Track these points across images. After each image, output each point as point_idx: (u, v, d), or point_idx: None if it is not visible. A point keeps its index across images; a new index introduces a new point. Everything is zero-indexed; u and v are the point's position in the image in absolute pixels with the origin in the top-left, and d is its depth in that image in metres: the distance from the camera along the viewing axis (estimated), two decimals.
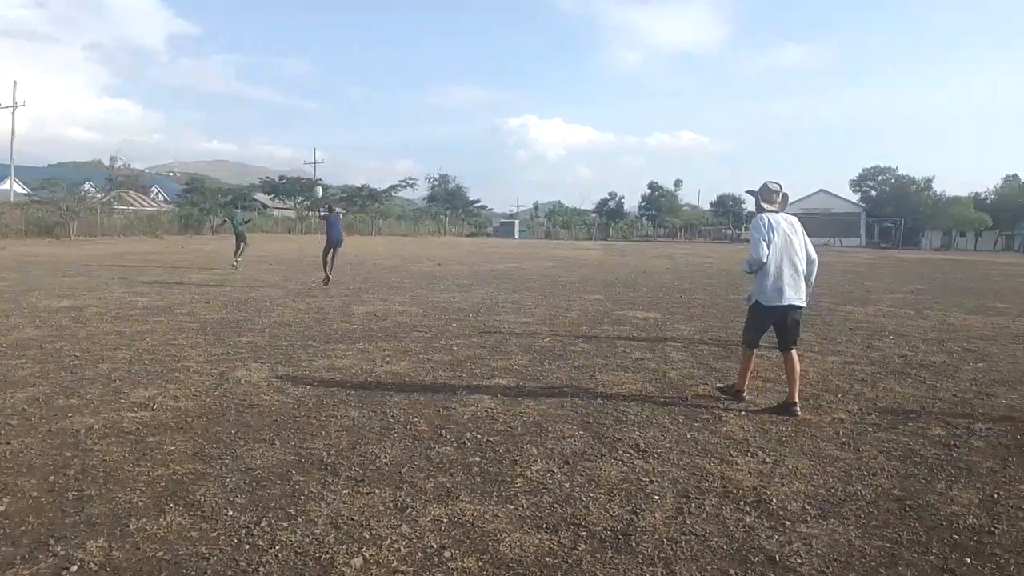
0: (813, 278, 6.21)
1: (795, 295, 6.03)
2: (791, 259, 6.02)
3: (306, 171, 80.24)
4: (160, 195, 77.55)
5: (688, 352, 8.62)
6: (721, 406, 6.11)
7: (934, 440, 5.31)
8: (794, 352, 6.14)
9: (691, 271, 24.83)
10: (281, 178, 73.13)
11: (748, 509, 3.96)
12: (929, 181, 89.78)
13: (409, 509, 3.84)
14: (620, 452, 4.83)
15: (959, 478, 4.54)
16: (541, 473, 4.40)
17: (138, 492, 4.03)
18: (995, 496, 4.25)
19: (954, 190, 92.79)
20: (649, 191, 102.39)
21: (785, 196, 6.32)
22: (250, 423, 5.32)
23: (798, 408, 5.94)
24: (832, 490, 4.27)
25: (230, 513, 3.77)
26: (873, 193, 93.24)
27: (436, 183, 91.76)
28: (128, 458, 4.55)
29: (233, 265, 20.10)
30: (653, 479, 4.36)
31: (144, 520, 3.68)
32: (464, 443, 4.92)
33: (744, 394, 6.36)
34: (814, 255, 6.19)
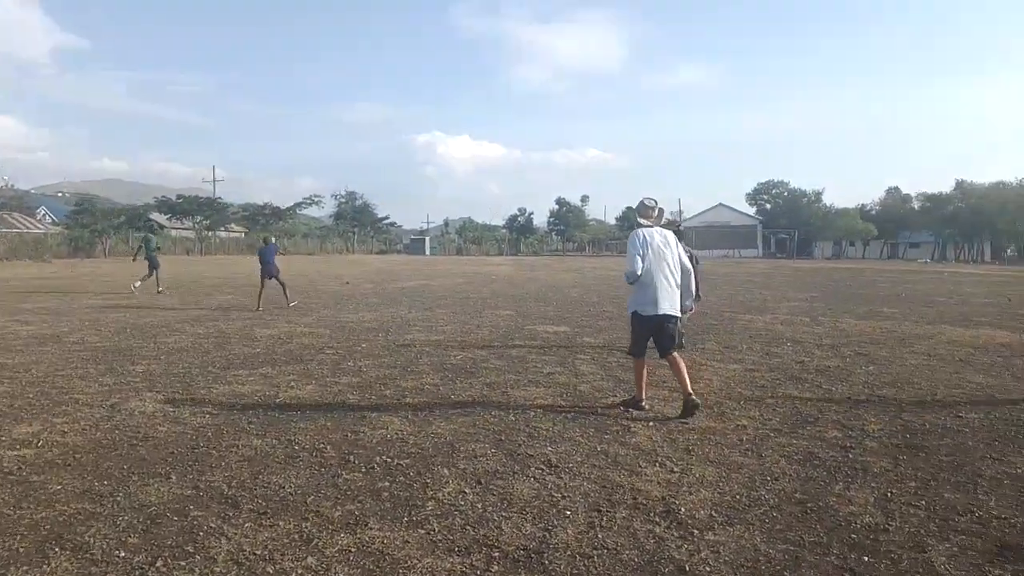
0: (693, 287, 6.70)
1: (669, 306, 6.36)
2: (664, 272, 6.36)
3: (205, 189, 77.67)
4: (48, 216, 73.50)
5: (598, 364, 8.73)
6: (629, 417, 6.20)
7: (831, 443, 5.54)
8: (675, 354, 6.46)
9: (599, 284, 25.26)
10: (178, 197, 70.51)
11: (658, 520, 4.01)
12: (819, 194, 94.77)
13: (315, 540, 3.70)
14: (532, 469, 4.82)
15: (855, 479, 4.74)
16: (453, 495, 4.33)
17: (19, 537, 3.74)
18: (888, 494, 4.45)
19: (842, 202, 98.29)
20: (557, 207, 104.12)
21: (661, 211, 6.68)
22: (144, 457, 5.05)
23: (695, 398, 6.28)
24: (737, 496, 4.38)
25: (122, 554, 3.55)
26: (768, 206, 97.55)
27: (343, 200, 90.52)
28: (8, 500, 4.23)
29: (148, 291, 19.08)
30: (565, 494, 4.36)
31: (26, 568, 3.42)
32: (373, 468, 4.80)
33: (644, 403, 6.55)
34: (688, 266, 6.60)
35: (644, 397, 6.60)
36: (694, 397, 6.28)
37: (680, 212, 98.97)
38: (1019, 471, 4.89)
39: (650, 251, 6.34)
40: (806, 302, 18.38)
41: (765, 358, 9.39)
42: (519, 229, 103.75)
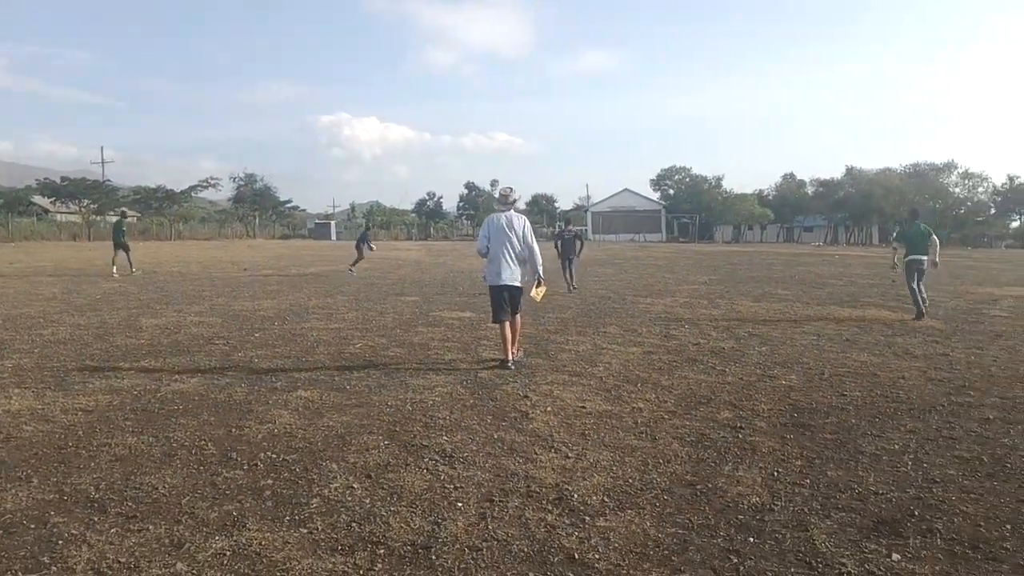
0: (538, 265, 7.87)
1: (510, 276, 7.67)
2: (506, 249, 7.66)
3: (93, 171, 73.59)
4: None
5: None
6: (529, 402, 6.17)
7: (723, 423, 5.66)
8: (517, 318, 7.85)
9: None
10: (63, 179, 66.43)
11: (550, 508, 3.98)
12: (719, 180, 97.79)
13: (187, 544, 3.49)
14: (426, 460, 4.72)
15: (744, 459, 4.85)
16: (340, 491, 4.18)
17: None
18: (775, 474, 4.57)
19: (741, 188, 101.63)
20: (466, 191, 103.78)
21: (514, 200, 8.00)
22: (4, 460, 4.67)
23: (511, 364, 7.56)
24: (630, 480, 4.40)
25: None
26: (671, 191, 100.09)
27: (242, 183, 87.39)
28: None
29: (123, 273, 20.29)
30: (458, 485, 4.28)
31: None
32: (256, 465, 4.59)
33: (509, 362, 7.59)
34: (533, 244, 7.78)
35: (510, 357, 7.64)
36: (510, 363, 7.56)
37: (588, 197, 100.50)
38: (896, 447, 5.12)
39: (494, 231, 7.68)
40: (705, 285, 18.93)
41: (664, 340, 9.57)
42: (428, 214, 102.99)
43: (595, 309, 13.14)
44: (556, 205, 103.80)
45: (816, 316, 12.39)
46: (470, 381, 7.00)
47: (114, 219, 22.42)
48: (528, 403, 6.20)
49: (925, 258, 12.13)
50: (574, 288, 17.43)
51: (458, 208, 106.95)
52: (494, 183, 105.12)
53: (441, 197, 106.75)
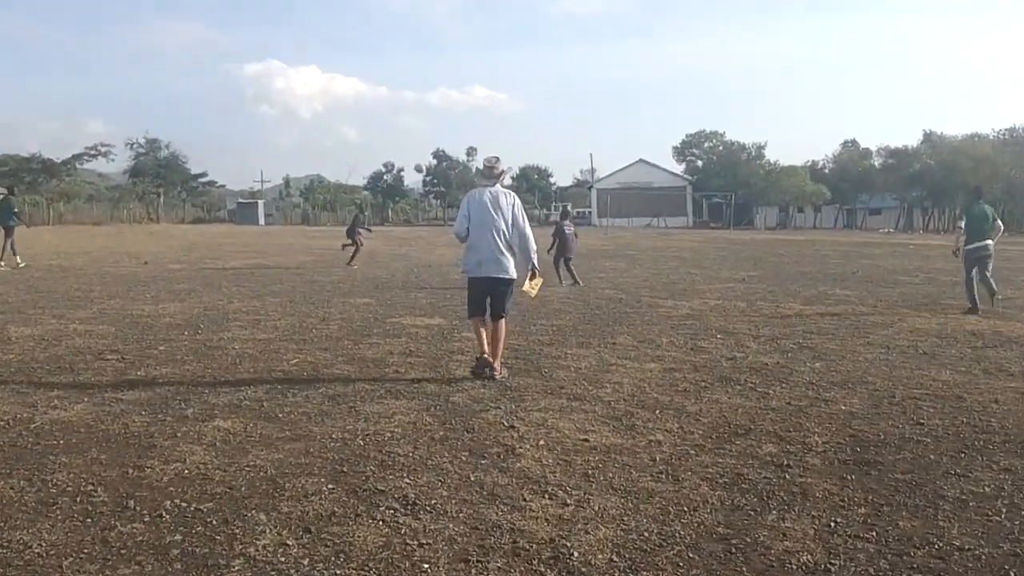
0: (531, 253, 8.19)
1: (496, 268, 7.96)
2: (492, 233, 7.92)
3: None
4: None
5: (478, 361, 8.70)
6: (516, 434, 6.19)
7: (765, 460, 5.70)
8: (502, 322, 8.13)
9: None
10: None
11: (543, 569, 3.99)
12: (761, 149, 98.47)
13: None
14: (383, 509, 4.72)
15: (792, 506, 4.88)
16: (270, 549, 4.17)
17: None
18: (832, 525, 4.60)
19: (789, 159, 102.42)
20: (435, 161, 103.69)
21: (502, 172, 8.30)
22: None
23: (496, 373, 7.91)
24: (646, 534, 4.42)
25: None
26: (699, 163, 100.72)
27: (142, 151, 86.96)
28: None
29: (16, 266, 21.20)
30: (424, 541, 4.28)
31: None
32: (161, 516, 4.57)
33: (488, 369, 7.91)
34: (526, 230, 8.08)
35: (487, 354, 7.99)
36: (496, 372, 7.95)
37: (592, 171, 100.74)
38: (986, 490, 5.17)
39: (476, 211, 7.99)
40: (743, 283, 19.07)
41: (689, 354, 9.62)
42: (386, 191, 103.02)
43: (602, 314, 13.20)
44: (552, 181, 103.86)
45: (885, 323, 12.52)
46: (440, 407, 7.02)
47: (10, 200, 22.37)
48: (515, 435, 6.21)
49: (989, 243, 13.41)
50: (577, 283, 17.51)
51: (424, 183, 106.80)
52: (471, 152, 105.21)
53: (402, 170, 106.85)
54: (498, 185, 8.22)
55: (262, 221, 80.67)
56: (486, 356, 8.00)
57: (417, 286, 17.51)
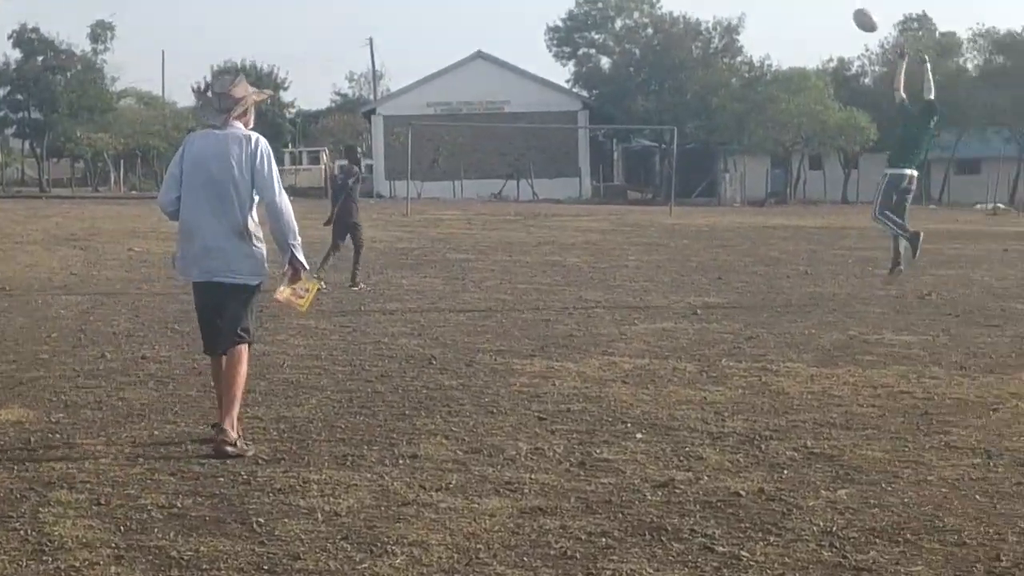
0: (290, 237, 5.52)
1: (218, 265, 5.44)
2: (216, 205, 5.44)
3: None
4: None
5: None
6: None
7: None
8: (238, 353, 5.45)
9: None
10: None
11: None
12: (733, 32, 56.62)
13: None
14: None
15: None
16: None
17: None
18: None
19: (791, 58, 62.82)
20: (17, 52, 57.41)
21: (244, 102, 5.64)
22: None
23: (230, 444, 5.16)
24: None
25: None
26: (603, 62, 57.65)
27: None
28: None
29: None
30: None
31: None
32: None
33: (230, 442, 5.15)
34: (275, 194, 5.49)
35: (230, 431, 5.19)
36: (226, 440, 5.12)
37: (376, 75, 70.06)
38: None
39: (193, 169, 5.53)
40: (694, 317, 11.82)
41: (574, 479, 4.93)
42: None
43: (390, 389, 7.42)
44: (289, 100, 67.34)
45: (983, 402, 7.10)
46: None
47: None
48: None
49: None
50: (359, 286, 13.38)
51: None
52: (102, 32, 59.93)
53: None
54: (236, 124, 5.59)
55: None
56: (228, 440, 5.23)
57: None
